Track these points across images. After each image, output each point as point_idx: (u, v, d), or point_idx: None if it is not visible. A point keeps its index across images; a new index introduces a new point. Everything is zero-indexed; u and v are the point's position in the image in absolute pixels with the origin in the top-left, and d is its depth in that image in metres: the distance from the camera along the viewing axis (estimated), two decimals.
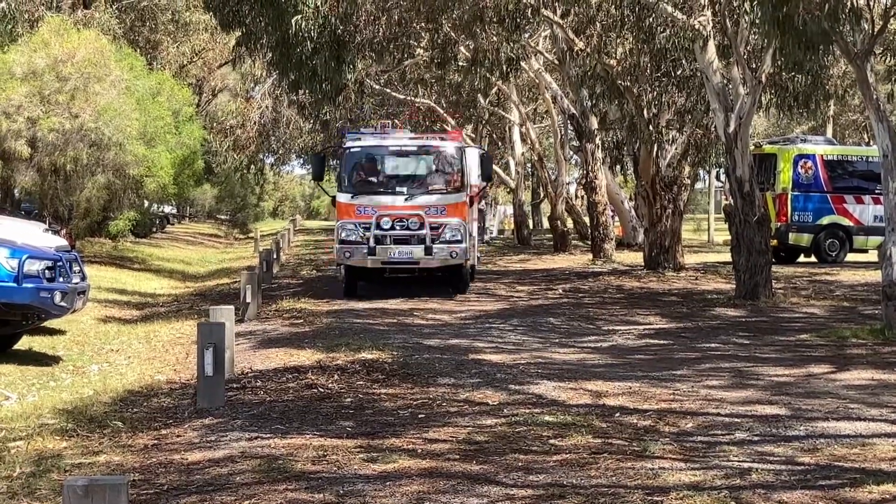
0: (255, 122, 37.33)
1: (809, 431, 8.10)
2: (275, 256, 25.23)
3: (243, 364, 12.37)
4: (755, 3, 13.16)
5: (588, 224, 25.58)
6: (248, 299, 16.49)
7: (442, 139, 18.35)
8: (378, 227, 16.45)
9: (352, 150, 17.19)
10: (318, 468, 7.38)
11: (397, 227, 16.61)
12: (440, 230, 16.62)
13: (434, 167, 17.58)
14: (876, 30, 13.60)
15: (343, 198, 16.75)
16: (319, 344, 13.60)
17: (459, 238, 16.74)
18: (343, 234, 16.54)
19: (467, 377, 11.06)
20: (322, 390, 10.68)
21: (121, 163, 23.94)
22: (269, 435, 8.61)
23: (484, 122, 34.17)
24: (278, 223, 60.69)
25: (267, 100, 36.56)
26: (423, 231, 16.49)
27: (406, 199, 16.77)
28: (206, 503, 6.83)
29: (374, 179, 17.37)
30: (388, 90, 28.00)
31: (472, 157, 18.07)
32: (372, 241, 16.34)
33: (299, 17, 16.88)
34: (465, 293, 17.57)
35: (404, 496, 6.49)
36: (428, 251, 16.55)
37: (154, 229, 42.63)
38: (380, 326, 15.63)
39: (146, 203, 35.93)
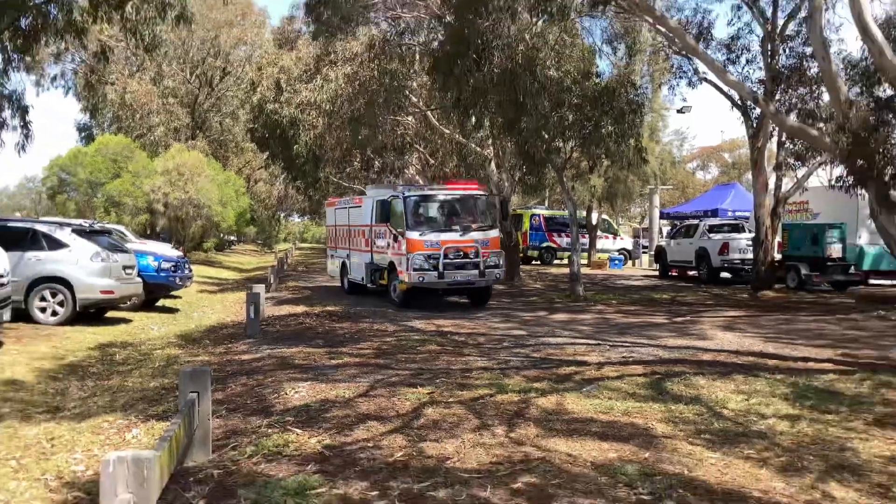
0: (275, 196, 53.28)
1: (537, 343, 11.20)
2: (286, 260, 35.41)
3: (269, 313, 15.57)
4: (511, 143, 23.52)
5: None
6: (272, 281, 22.21)
7: (469, 188, 18.40)
8: (446, 256, 16.46)
9: (412, 197, 17.07)
10: (305, 362, 9.46)
11: (458, 257, 16.61)
12: (487, 258, 16.85)
13: (473, 210, 17.64)
14: (567, 156, 24.17)
15: (413, 235, 16.49)
16: (306, 303, 18.14)
17: (499, 263, 17.17)
18: (416, 263, 16.24)
19: (379, 318, 14.58)
20: (307, 325, 13.68)
21: (208, 215, 31.16)
22: (281, 347, 10.88)
23: None
24: (286, 245, 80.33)
25: (281, 185, 50.11)
26: (478, 259, 16.72)
27: (461, 235, 16.85)
28: (250, 378, 8.85)
29: (432, 220, 17.19)
30: (341, 182, 36.28)
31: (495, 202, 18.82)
32: (441, 267, 16.34)
33: (297, 145, 26.07)
34: (484, 307, 17.73)
35: (347, 374, 8.72)
36: (481, 274, 16.77)
37: (225, 248, 58.35)
38: (333, 287, 21.97)
39: (222, 235, 49.69)
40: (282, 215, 71.95)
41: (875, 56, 14.72)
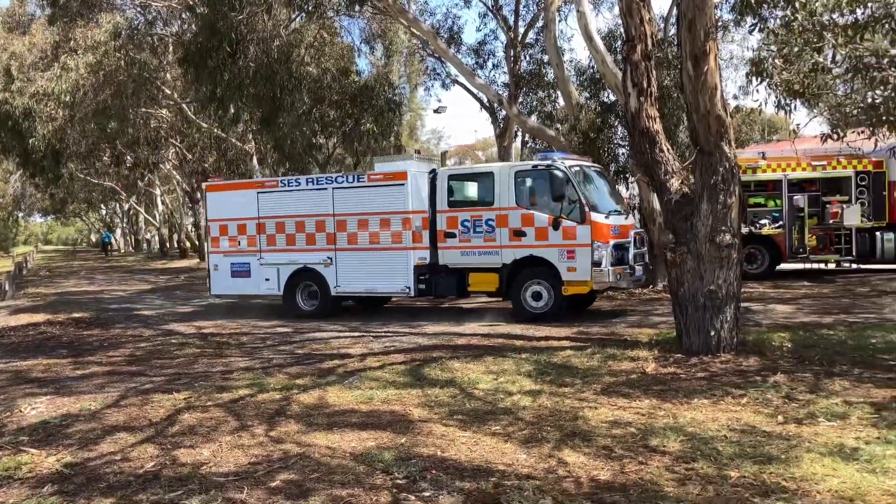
0: (10, 195, 46.92)
1: (302, 339, 11.34)
2: (25, 265, 33.64)
3: (3, 323, 15.09)
4: (268, 138, 23.97)
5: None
6: (7, 288, 21.90)
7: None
8: (635, 245, 12.77)
9: (575, 168, 12.73)
10: (45, 375, 9.19)
11: (639, 246, 13.03)
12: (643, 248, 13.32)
13: (610, 187, 13.97)
14: (330, 153, 25.84)
15: (599, 218, 12.33)
16: (49, 310, 17.21)
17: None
18: (613, 256, 12.24)
19: (132, 323, 14.19)
20: (49, 335, 13.11)
21: None
22: (16, 360, 10.38)
23: (142, 193, 47.21)
24: (27, 248, 75.51)
25: (17, 182, 45.48)
26: (644, 249, 13.27)
27: (626, 219, 13.15)
28: None
29: (598, 200, 12.84)
30: (89, 178, 36.65)
31: None
32: (631, 259, 12.56)
33: (34, 139, 24.09)
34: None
35: (94, 385, 8.41)
36: (645, 269, 13.26)
37: None
38: (83, 300, 20.01)
39: None
40: (20, 216, 65.81)
41: (599, 64, 16.33)
